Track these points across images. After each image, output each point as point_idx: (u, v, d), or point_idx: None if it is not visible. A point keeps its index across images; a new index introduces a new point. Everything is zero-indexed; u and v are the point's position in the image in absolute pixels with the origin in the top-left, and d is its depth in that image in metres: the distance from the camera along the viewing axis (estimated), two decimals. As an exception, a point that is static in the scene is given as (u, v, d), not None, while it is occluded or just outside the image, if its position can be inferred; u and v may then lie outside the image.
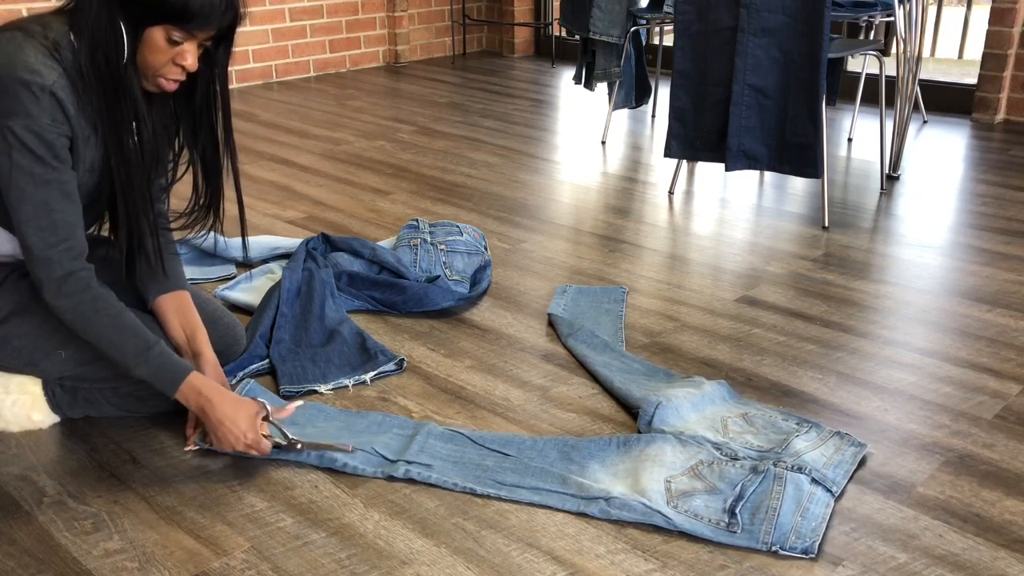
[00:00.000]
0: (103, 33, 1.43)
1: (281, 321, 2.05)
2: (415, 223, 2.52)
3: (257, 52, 4.88)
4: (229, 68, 1.65)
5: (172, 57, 1.48)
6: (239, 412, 1.57)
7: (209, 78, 1.59)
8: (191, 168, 1.70)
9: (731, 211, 2.99)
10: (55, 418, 1.75)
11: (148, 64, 1.48)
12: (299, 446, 1.62)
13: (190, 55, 1.49)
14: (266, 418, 1.61)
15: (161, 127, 1.63)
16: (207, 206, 1.72)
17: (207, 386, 1.59)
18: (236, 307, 2.25)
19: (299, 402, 1.73)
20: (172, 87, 1.53)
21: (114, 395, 1.73)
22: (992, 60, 4.05)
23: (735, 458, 1.59)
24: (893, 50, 3.21)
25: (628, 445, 1.65)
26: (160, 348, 1.57)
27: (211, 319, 1.83)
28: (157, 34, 1.45)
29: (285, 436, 1.63)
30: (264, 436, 1.59)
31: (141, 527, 1.49)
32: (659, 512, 1.48)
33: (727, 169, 2.91)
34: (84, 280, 1.54)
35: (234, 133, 1.68)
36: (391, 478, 1.59)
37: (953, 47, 4.81)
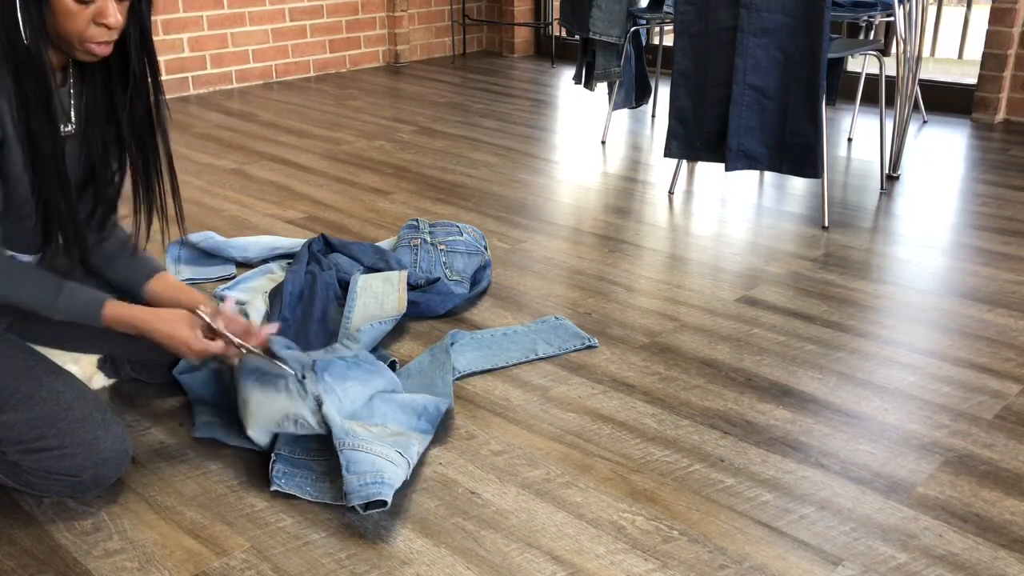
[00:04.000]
0: None
1: (283, 326, 2.05)
2: (415, 223, 2.52)
3: (257, 52, 4.87)
4: (154, 28, 1.52)
5: (90, 17, 1.36)
6: (176, 327, 1.55)
7: (137, 40, 1.47)
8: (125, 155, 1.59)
9: (731, 211, 2.99)
10: None
11: (68, 31, 1.37)
12: (243, 350, 1.64)
13: (109, 10, 1.37)
14: (210, 328, 1.60)
15: (92, 112, 1.53)
16: (146, 194, 1.62)
17: (131, 311, 1.55)
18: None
19: (233, 299, 1.73)
20: (105, 51, 1.41)
21: (2, 462, 1.51)
22: (992, 60, 4.05)
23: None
24: (893, 50, 3.21)
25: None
26: (68, 289, 1.50)
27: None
28: None
29: (231, 341, 1.63)
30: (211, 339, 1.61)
31: (141, 527, 1.49)
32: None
33: (727, 169, 2.91)
34: None
35: (165, 116, 1.57)
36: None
37: (953, 47, 4.80)
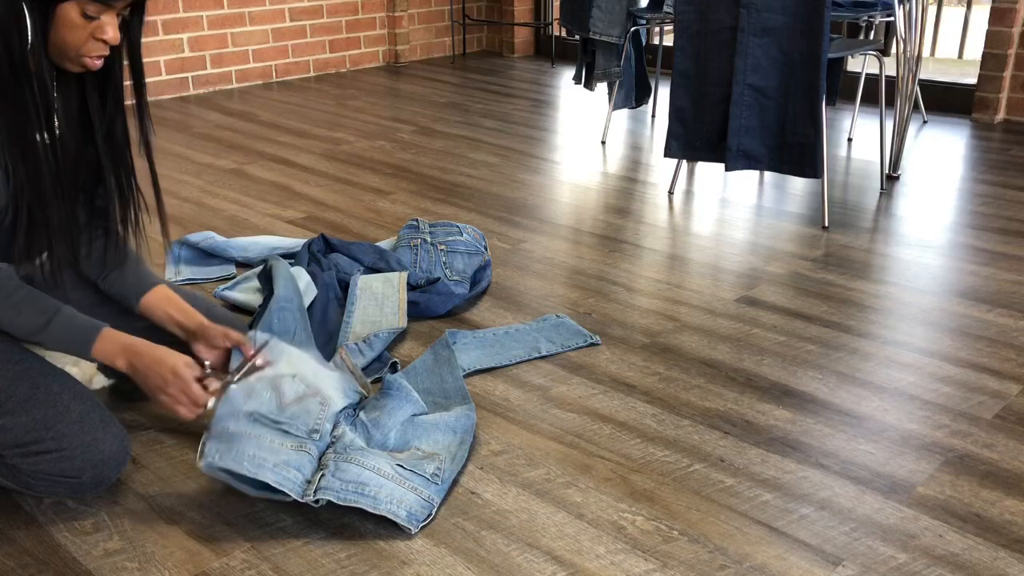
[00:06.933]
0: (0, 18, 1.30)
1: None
2: (415, 223, 2.52)
3: (257, 52, 4.87)
4: (143, 39, 1.50)
5: (91, 32, 1.37)
6: (169, 358, 1.48)
7: (125, 50, 1.47)
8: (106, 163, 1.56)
9: (731, 211, 2.99)
10: None
11: (66, 43, 1.37)
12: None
13: (110, 28, 1.38)
14: (202, 379, 1.51)
15: (73, 117, 1.51)
16: (122, 204, 1.59)
17: (128, 337, 1.49)
18: (236, 307, 2.25)
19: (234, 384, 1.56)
20: (97, 64, 1.42)
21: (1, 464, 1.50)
22: (992, 60, 4.05)
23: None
24: (893, 50, 3.21)
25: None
26: (63, 313, 1.47)
27: (205, 314, 1.83)
28: (70, 10, 1.34)
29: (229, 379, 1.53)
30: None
31: (141, 527, 1.49)
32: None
33: (727, 169, 2.91)
34: None
35: (147, 113, 1.54)
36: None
37: (953, 47, 4.81)
